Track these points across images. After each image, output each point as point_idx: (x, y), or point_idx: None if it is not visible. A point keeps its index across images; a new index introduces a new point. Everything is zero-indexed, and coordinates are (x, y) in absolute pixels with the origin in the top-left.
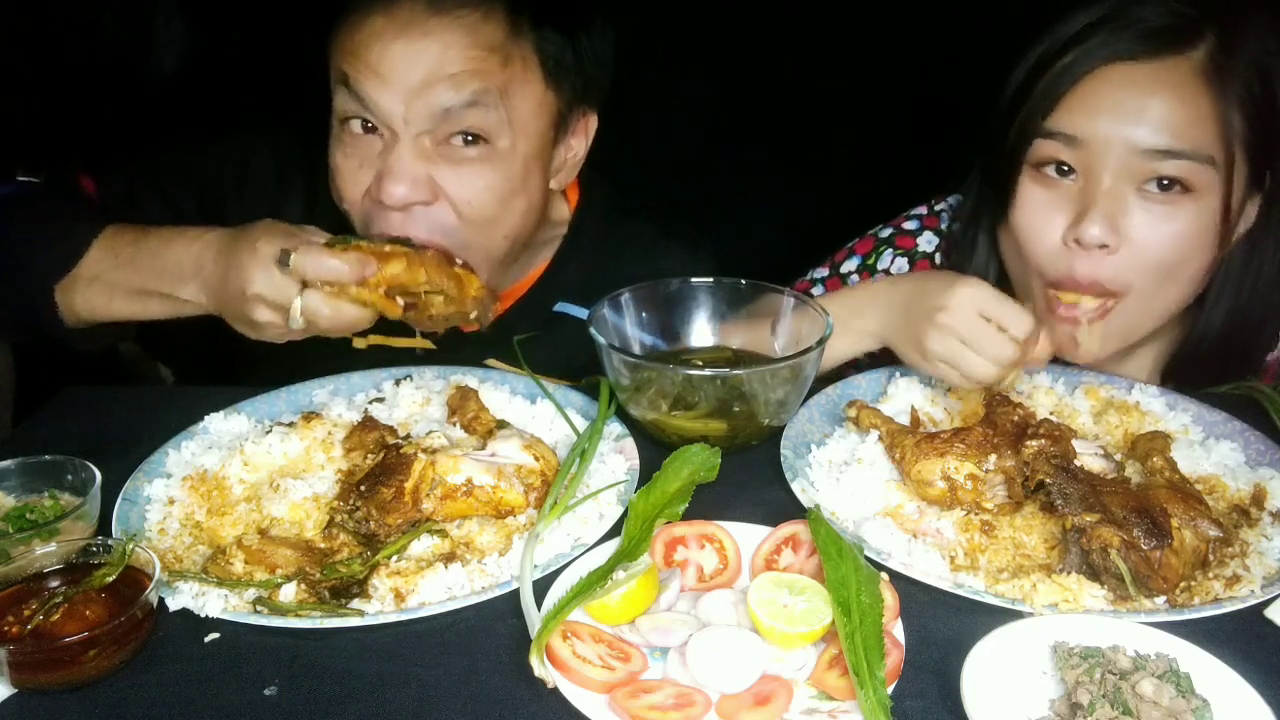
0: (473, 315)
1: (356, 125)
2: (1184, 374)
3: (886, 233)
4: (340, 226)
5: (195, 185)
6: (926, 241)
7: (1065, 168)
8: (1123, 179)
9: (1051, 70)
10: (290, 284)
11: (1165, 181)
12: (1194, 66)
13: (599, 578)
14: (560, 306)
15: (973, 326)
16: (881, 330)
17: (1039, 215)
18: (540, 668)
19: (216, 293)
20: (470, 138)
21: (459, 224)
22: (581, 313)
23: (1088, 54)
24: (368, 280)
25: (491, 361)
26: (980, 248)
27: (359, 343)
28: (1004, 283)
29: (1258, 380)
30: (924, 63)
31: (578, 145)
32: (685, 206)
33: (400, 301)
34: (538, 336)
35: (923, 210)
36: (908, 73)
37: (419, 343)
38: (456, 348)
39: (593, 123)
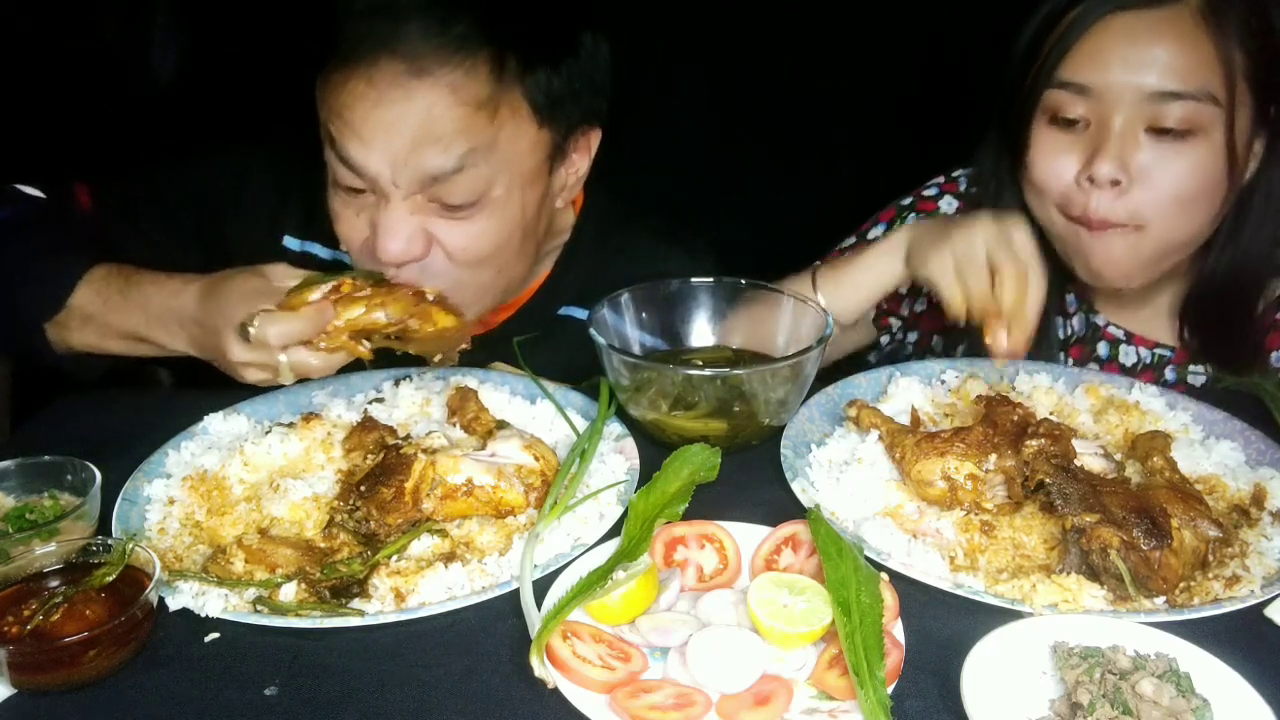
0: (435, 358)
1: (349, 180)
2: (1195, 315)
3: (908, 200)
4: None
5: (193, 198)
6: (947, 204)
7: (1075, 116)
8: (1132, 121)
9: (1059, 25)
10: (266, 349)
11: (1171, 123)
12: (1192, 10)
13: (599, 578)
14: (564, 310)
15: (997, 243)
16: (904, 240)
17: (1054, 159)
18: (540, 668)
19: (203, 349)
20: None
21: (454, 268)
22: (584, 315)
23: (1092, 7)
24: (328, 329)
25: (496, 365)
26: (1005, 201)
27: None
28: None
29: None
30: (923, 63)
31: (580, 162)
32: (684, 208)
33: (366, 345)
34: (540, 340)
35: (940, 179)
36: (905, 73)
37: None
38: (461, 354)
39: (595, 138)
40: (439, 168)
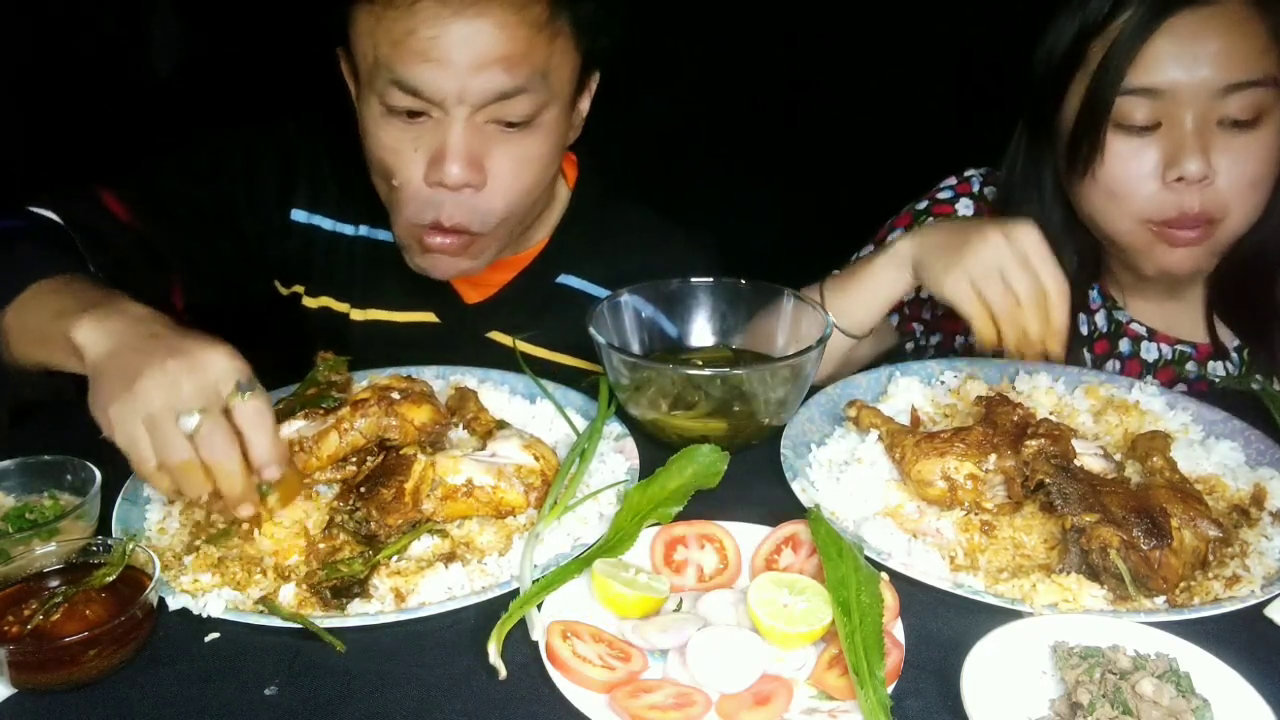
0: (413, 453)
1: (408, 104)
2: (1221, 290)
3: (923, 204)
4: (355, 216)
5: (206, 179)
6: (964, 207)
7: (1147, 117)
8: (1204, 117)
9: (1106, 32)
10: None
11: (1238, 114)
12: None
13: (577, 568)
14: (562, 279)
15: (1013, 259)
16: (914, 251)
17: (1133, 165)
18: (495, 657)
19: (102, 367)
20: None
21: (500, 204)
22: (582, 284)
23: (1148, 13)
24: (310, 468)
25: (494, 335)
26: (1044, 210)
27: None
28: (1067, 230)
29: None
30: (924, 56)
31: (584, 103)
32: (685, 200)
33: (351, 463)
34: (539, 308)
35: (952, 181)
36: (909, 66)
37: None
38: (458, 324)
39: (595, 80)
40: (505, 85)
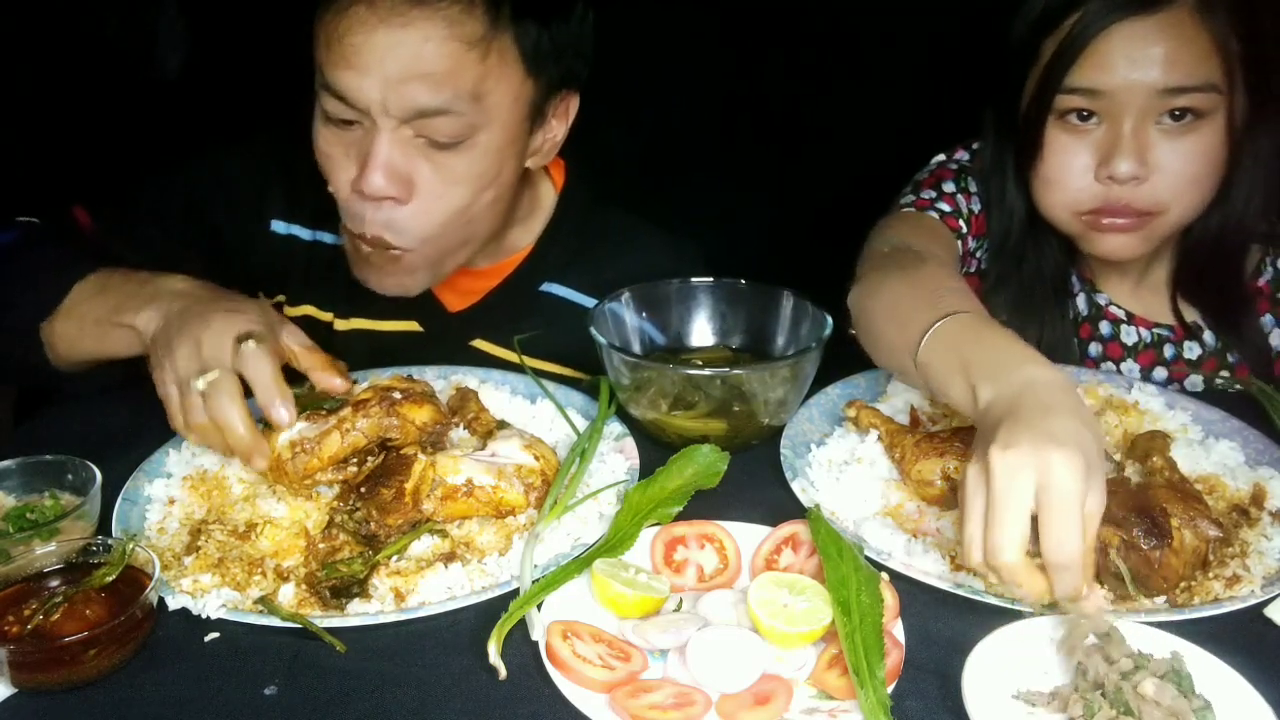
0: (414, 458)
1: (340, 112)
2: (1186, 272)
3: (962, 155)
4: (334, 225)
5: (179, 200)
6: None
7: (1086, 114)
8: (1142, 118)
9: (1058, 30)
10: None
11: (1178, 113)
12: (1189, 9)
13: (577, 568)
14: (545, 287)
15: (1010, 491)
16: (955, 391)
17: (1069, 159)
18: (495, 657)
19: (166, 328)
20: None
21: (426, 220)
22: (566, 292)
23: (1094, 17)
24: (312, 469)
25: (478, 342)
26: (1008, 195)
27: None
28: (1033, 226)
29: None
30: (924, 56)
31: (558, 127)
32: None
33: (352, 464)
34: (523, 316)
35: (940, 157)
36: (907, 66)
37: None
38: (441, 333)
39: (573, 105)
40: (427, 103)
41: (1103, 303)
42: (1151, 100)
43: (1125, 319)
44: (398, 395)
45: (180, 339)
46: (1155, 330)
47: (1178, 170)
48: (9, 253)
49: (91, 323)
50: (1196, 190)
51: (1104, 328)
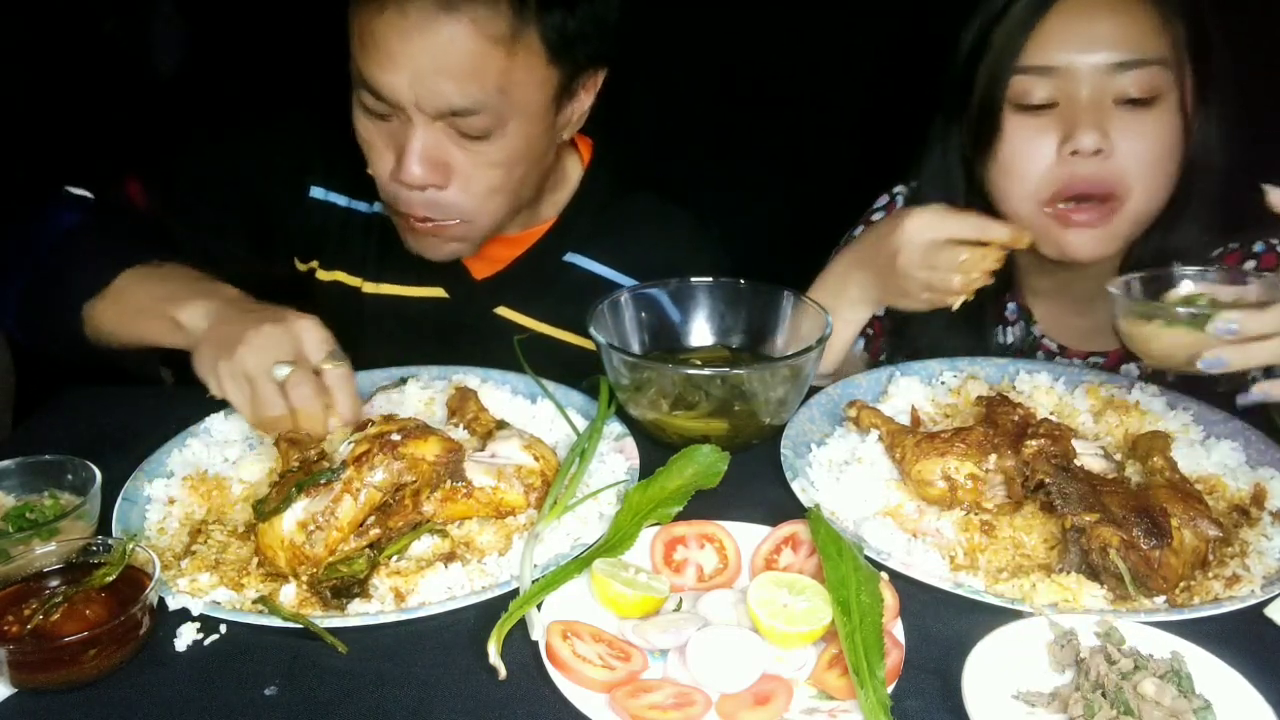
0: (424, 494)
1: (376, 106)
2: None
3: (859, 230)
4: (370, 194)
5: (221, 169)
6: None
7: (1043, 96)
8: (1099, 94)
9: (1009, 15)
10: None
11: (1134, 99)
12: None
13: (577, 568)
14: (569, 257)
15: (929, 254)
16: (863, 294)
17: (1029, 142)
18: (495, 657)
19: (215, 327)
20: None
21: (467, 199)
22: (588, 263)
23: None
24: (333, 543)
25: (500, 310)
26: (956, 195)
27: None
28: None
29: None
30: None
31: (585, 99)
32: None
33: (371, 524)
34: (544, 286)
35: (884, 200)
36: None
37: None
38: (467, 299)
39: (601, 76)
40: (456, 102)
41: (1037, 334)
42: (1105, 77)
43: (1057, 351)
44: (397, 437)
45: (248, 336)
46: (1090, 359)
47: (1138, 152)
48: (73, 234)
49: (133, 309)
50: (1156, 174)
51: (1039, 358)
